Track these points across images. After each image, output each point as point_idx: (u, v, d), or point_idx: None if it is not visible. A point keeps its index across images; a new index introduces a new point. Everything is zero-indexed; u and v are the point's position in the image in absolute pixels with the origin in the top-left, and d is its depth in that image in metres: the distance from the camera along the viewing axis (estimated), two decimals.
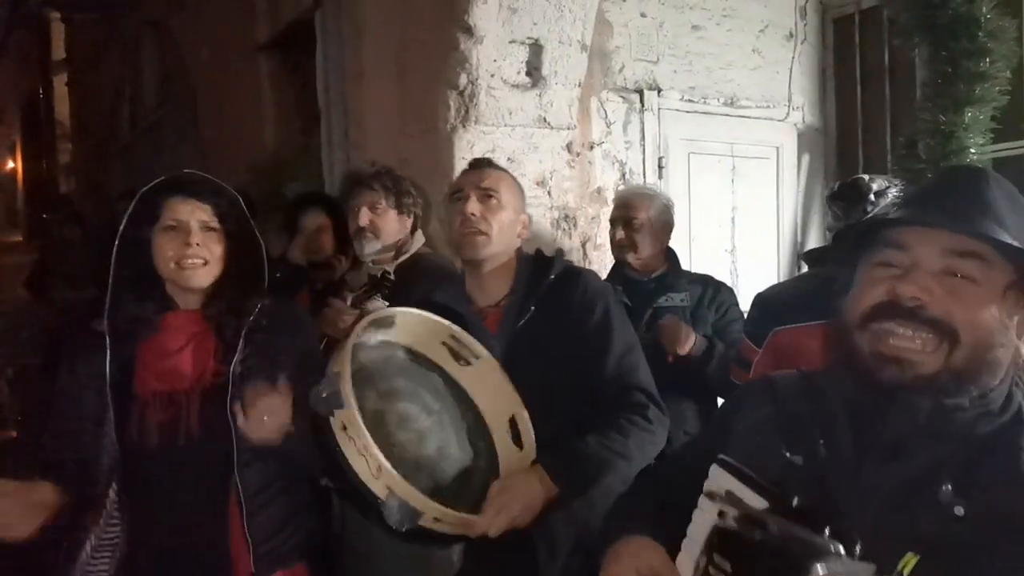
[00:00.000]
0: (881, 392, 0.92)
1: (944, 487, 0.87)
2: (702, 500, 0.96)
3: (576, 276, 1.77)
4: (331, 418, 1.36)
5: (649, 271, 2.67)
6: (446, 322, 1.62)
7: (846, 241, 1.06)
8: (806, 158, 3.91)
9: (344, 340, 1.46)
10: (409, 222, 2.35)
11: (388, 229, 2.27)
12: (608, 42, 3.36)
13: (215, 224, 1.61)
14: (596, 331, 1.70)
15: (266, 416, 1.46)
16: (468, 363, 1.63)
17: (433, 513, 1.36)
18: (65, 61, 12.25)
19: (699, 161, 3.63)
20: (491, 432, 1.60)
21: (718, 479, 0.95)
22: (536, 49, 2.84)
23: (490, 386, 1.61)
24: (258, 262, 1.66)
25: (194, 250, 1.57)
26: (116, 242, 1.57)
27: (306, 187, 3.54)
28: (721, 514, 0.92)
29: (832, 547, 0.80)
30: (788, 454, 0.97)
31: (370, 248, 2.27)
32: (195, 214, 1.58)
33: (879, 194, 2.43)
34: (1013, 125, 3.13)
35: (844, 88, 3.93)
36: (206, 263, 1.59)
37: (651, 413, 1.64)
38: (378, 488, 1.34)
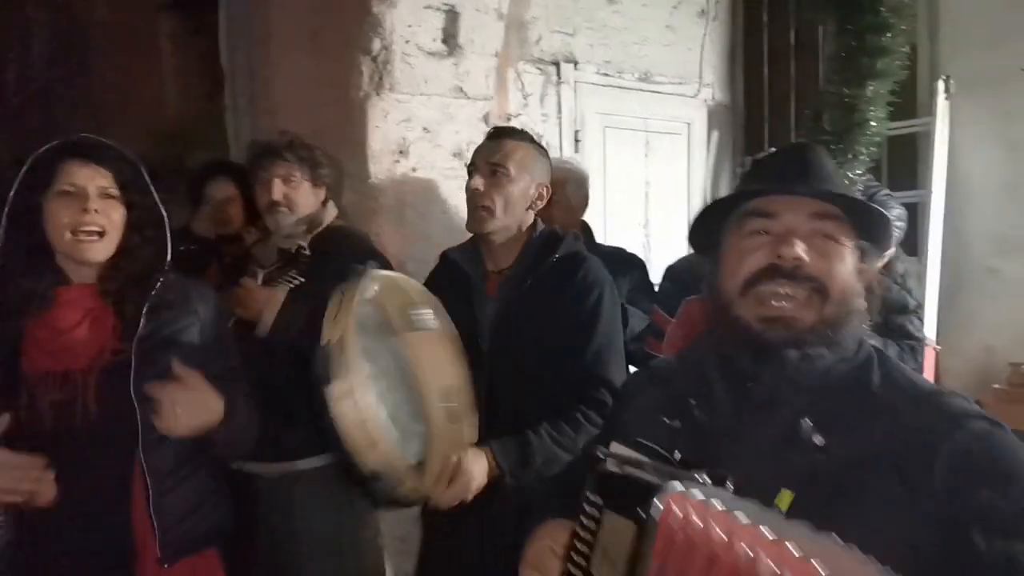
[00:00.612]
0: (768, 351, 1.01)
1: (803, 421, 0.96)
2: None
3: (579, 261, 1.84)
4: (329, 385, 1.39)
5: None
6: (414, 285, 1.62)
7: (712, 214, 1.12)
8: (715, 134, 4.01)
9: (342, 308, 1.45)
10: (323, 193, 2.28)
11: (303, 202, 2.19)
12: (525, 12, 3.33)
13: (115, 192, 1.52)
14: (584, 318, 1.76)
15: (179, 410, 1.43)
16: (418, 329, 1.63)
17: (412, 485, 1.43)
18: None
19: (614, 135, 3.66)
20: (425, 402, 1.62)
21: (612, 449, 1.04)
22: (452, 16, 2.78)
23: (435, 357, 1.63)
24: (161, 234, 1.59)
25: (92, 217, 1.48)
26: (5, 210, 1.47)
27: (210, 155, 3.38)
28: None
29: (695, 475, 0.87)
30: (667, 420, 1.07)
31: (285, 222, 2.18)
32: (94, 180, 1.50)
33: None
34: (907, 105, 3.31)
35: (752, 65, 4.04)
36: (103, 234, 1.50)
37: (608, 412, 1.71)
38: (369, 459, 1.38)
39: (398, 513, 2.43)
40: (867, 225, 1.05)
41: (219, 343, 1.66)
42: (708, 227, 1.12)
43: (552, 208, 2.67)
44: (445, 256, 1.99)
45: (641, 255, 2.98)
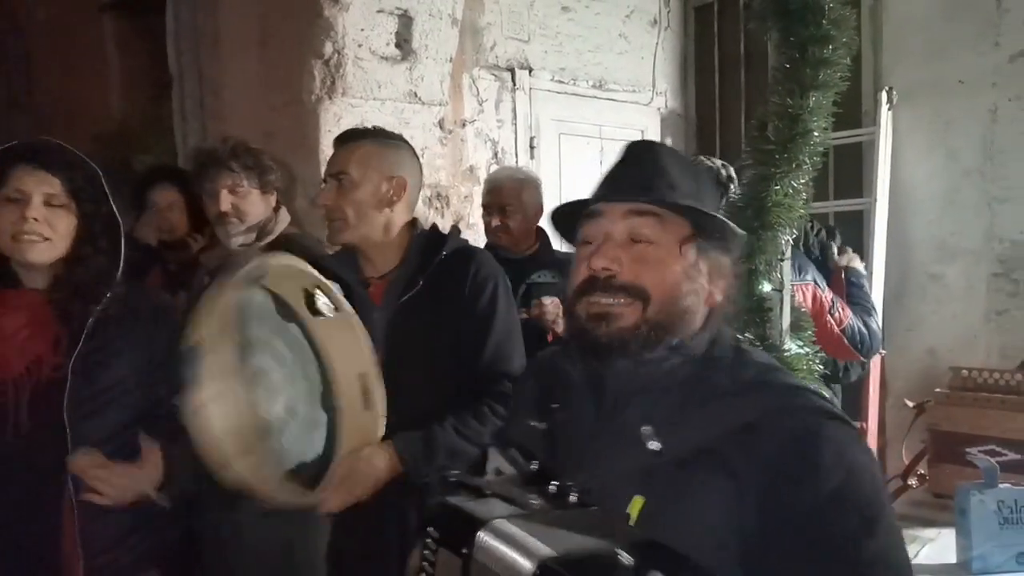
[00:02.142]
0: (600, 349, 1.01)
1: (644, 428, 0.97)
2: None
3: (469, 256, 1.76)
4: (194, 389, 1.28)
5: (521, 249, 2.70)
6: (310, 270, 1.53)
7: (558, 224, 1.14)
8: (668, 141, 4.06)
9: (209, 305, 1.34)
10: (273, 199, 2.24)
11: (252, 211, 2.14)
12: (480, 18, 3.33)
13: (62, 200, 1.47)
14: (480, 314, 1.70)
15: (106, 489, 1.41)
16: (323, 314, 1.55)
17: (281, 498, 1.35)
18: None
19: (569, 142, 3.68)
20: (336, 388, 1.54)
21: (491, 460, 1.04)
22: (405, 20, 2.77)
23: (344, 340, 1.55)
24: (115, 244, 1.53)
25: (31, 225, 1.43)
26: None
27: (157, 160, 3.31)
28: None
29: (532, 499, 0.90)
30: (535, 423, 1.08)
31: (235, 232, 2.13)
32: (39, 186, 1.45)
33: (731, 178, 2.59)
34: (852, 114, 3.40)
35: (703, 74, 4.11)
36: (47, 240, 1.45)
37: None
38: (234, 470, 1.29)
39: None
40: (700, 221, 1.04)
41: (171, 359, 1.57)
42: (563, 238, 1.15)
43: (511, 221, 2.69)
44: (322, 268, 1.84)
45: None
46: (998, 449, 2.07)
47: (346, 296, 1.64)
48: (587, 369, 1.06)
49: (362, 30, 2.66)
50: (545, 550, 0.79)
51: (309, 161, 2.69)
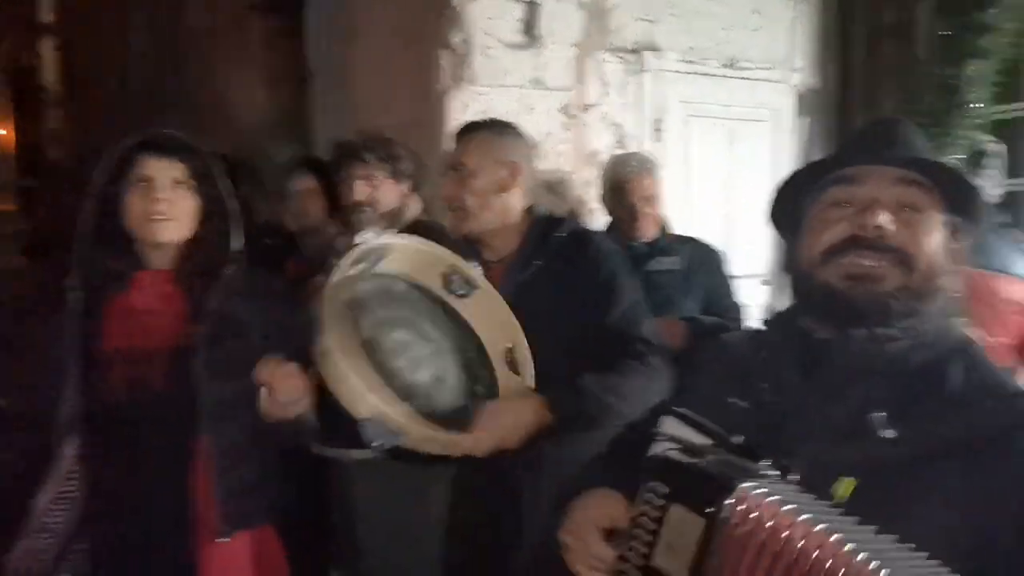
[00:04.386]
0: (852, 315, 0.97)
1: (876, 415, 0.92)
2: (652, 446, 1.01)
3: (586, 237, 1.80)
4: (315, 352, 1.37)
5: (642, 235, 2.64)
6: (444, 251, 1.60)
7: (792, 189, 1.09)
8: (805, 121, 3.85)
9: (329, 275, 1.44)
10: (405, 188, 2.32)
11: (385, 200, 2.25)
12: (606, 0, 3.28)
13: (187, 182, 1.60)
14: (603, 287, 1.71)
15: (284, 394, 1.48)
16: (464, 295, 1.61)
17: (416, 433, 1.38)
18: (53, 24, 12.01)
19: (697, 124, 3.57)
20: (491, 361, 1.60)
21: (666, 427, 1.00)
22: (532, 7, 2.78)
23: (488, 316, 1.61)
24: (232, 226, 1.65)
25: (160, 205, 1.56)
26: (90, 198, 1.56)
27: (297, 150, 3.49)
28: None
29: (760, 470, 0.86)
30: (736, 400, 1.03)
31: (368, 220, 2.24)
32: (166, 171, 1.58)
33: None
34: (1018, 86, 3.08)
35: (846, 49, 3.86)
36: (172, 220, 1.58)
37: (652, 360, 1.65)
38: (361, 411, 1.36)
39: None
40: (956, 198, 1.00)
41: (281, 336, 1.66)
42: (787, 203, 1.10)
43: (648, 207, 2.60)
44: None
45: (724, 247, 2.90)
46: None
47: None
48: (806, 342, 1.02)
49: (489, 19, 2.70)
50: None
51: (437, 149, 2.75)
